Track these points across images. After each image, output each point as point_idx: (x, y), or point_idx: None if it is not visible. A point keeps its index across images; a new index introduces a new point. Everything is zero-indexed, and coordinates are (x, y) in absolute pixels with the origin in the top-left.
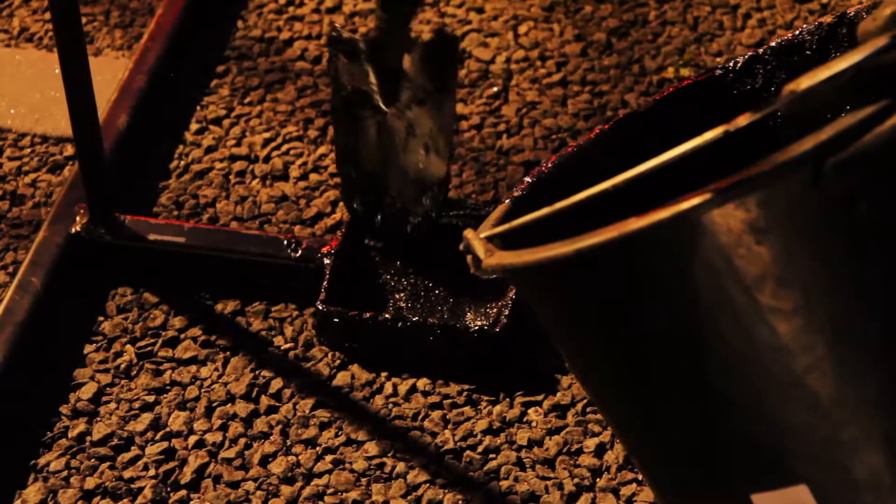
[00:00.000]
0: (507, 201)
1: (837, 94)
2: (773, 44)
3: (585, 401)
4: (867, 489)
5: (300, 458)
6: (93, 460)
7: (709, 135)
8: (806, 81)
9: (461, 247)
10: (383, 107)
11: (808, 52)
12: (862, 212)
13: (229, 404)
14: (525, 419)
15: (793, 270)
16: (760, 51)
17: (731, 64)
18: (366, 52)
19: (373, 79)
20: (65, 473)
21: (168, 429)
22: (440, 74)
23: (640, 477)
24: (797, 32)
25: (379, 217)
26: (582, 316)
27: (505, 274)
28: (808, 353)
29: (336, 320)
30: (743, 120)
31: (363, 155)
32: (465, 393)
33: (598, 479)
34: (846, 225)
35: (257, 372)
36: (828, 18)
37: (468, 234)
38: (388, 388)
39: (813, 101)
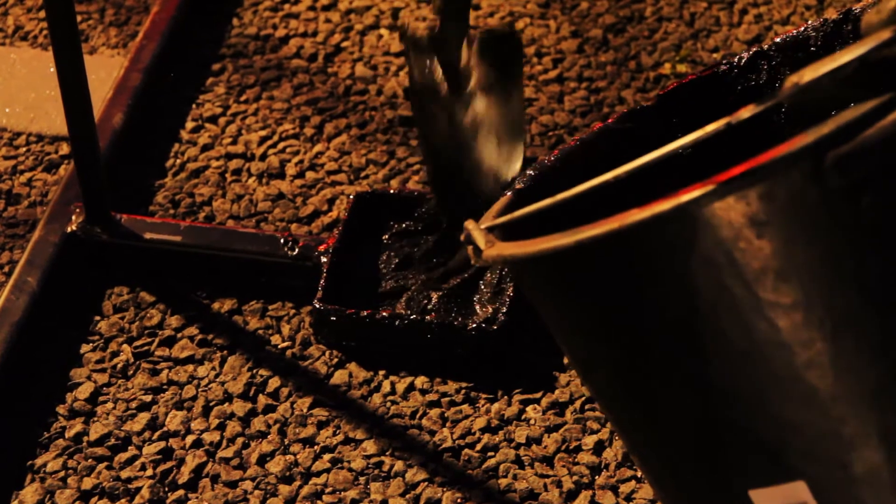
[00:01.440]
0: (508, 193)
1: (841, 87)
2: (777, 39)
3: (584, 398)
4: (866, 486)
5: (298, 457)
6: (90, 460)
7: (711, 127)
8: (809, 74)
9: (462, 237)
10: (448, 97)
11: (812, 49)
12: (864, 207)
13: (227, 403)
14: (523, 417)
15: (793, 265)
16: (765, 46)
17: (736, 60)
18: (429, 45)
19: (438, 72)
20: (62, 474)
21: (165, 428)
22: (502, 66)
23: (639, 474)
24: (802, 29)
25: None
26: (583, 309)
27: (505, 265)
28: (807, 348)
29: (333, 318)
30: (746, 112)
31: (437, 149)
32: (463, 391)
33: (596, 477)
34: (848, 220)
35: (255, 371)
36: (833, 14)
37: (469, 224)
38: (386, 387)
39: (816, 93)
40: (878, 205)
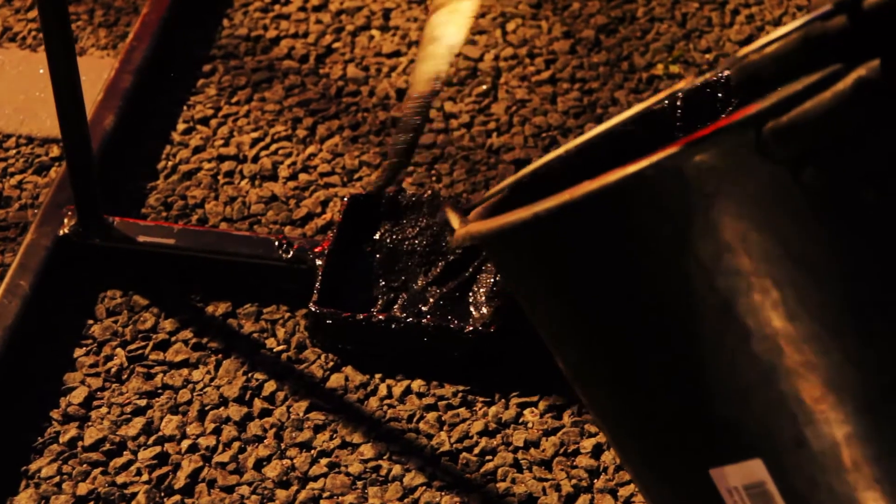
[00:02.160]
0: (504, 184)
1: (790, 61)
2: None
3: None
4: (823, 465)
5: (295, 461)
6: (85, 466)
7: (653, 99)
8: (749, 47)
9: (438, 218)
10: None
11: None
12: (806, 179)
13: (222, 408)
14: (521, 420)
15: (740, 237)
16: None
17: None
18: None
19: None
20: (57, 479)
21: (160, 433)
22: None
23: None
24: None
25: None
26: (548, 285)
27: (474, 241)
28: (757, 321)
29: (329, 322)
30: (684, 83)
31: None
32: (460, 394)
33: (595, 480)
34: (791, 192)
35: (250, 374)
36: None
37: (446, 207)
38: (383, 390)
39: (762, 67)
40: (821, 178)
